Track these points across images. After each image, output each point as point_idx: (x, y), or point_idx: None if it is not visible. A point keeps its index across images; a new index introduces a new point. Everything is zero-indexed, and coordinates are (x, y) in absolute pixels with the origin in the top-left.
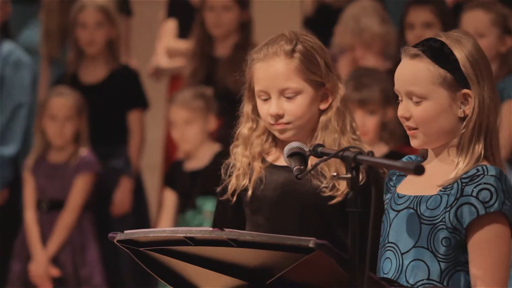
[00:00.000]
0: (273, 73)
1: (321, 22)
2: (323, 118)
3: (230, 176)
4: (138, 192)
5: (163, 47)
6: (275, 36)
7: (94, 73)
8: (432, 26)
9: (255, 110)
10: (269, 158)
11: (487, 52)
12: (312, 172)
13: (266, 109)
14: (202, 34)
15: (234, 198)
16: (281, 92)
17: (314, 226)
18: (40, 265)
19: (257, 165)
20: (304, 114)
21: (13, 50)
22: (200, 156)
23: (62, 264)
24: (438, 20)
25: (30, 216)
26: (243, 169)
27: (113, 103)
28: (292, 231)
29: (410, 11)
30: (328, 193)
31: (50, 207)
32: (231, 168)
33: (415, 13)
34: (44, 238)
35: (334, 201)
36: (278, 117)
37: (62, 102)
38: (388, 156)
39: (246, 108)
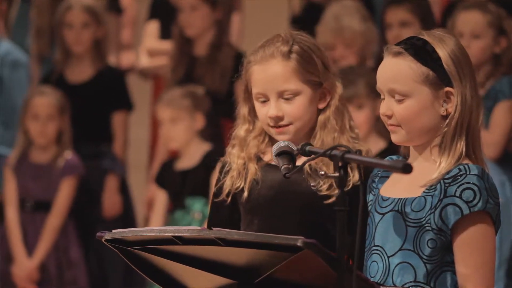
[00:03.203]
0: (271, 75)
1: (309, 21)
2: (321, 118)
3: (225, 176)
4: (124, 191)
5: (145, 48)
6: (270, 38)
7: (80, 72)
8: (410, 25)
9: (251, 111)
10: (266, 158)
11: (483, 53)
12: (309, 171)
13: (265, 111)
14: (180, 34)
15: (229, 199)
16: (280, 94)
17: (309, 225)
18: (23, 267)
19: (252, 166)
20: (303, 115)
21: (11, 50)
22: (190, 155)
23: (46, 266)
24: (416, 19)
25: (11, 216)
26: (238, 170)
27: (98, 103)
28: (287, 230)
29: (387, 11)
30: (324, 192)
31: (35, 208)
32: (227, 167)
33: (392, 12)
34: (28, 237)
35: (330, 201)
36: (277, 119)
37: (44, 102)
38: (385, 151)
39: (243, 110)
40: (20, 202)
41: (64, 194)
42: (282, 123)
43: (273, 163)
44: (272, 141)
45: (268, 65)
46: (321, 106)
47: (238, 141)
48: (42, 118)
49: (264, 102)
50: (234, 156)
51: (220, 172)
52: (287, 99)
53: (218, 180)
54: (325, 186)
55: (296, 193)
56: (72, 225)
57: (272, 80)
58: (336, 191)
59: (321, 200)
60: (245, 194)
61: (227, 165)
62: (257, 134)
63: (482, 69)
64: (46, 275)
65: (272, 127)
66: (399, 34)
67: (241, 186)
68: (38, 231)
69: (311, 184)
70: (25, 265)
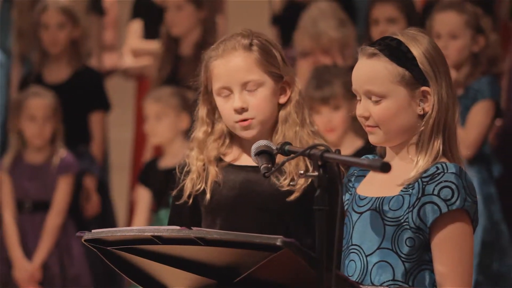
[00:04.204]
0: (234, 68)
1: (289, 20)
2: (282, 112)
3: (185, 177)
4: (103, 192)
5: (129, 47)
6: (229, 35)
7: (57, 73)
8: (396, 22)
9: (210, 113)
10: (227, 159)
11: (461, 53)
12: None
13: (229, 105)
14: (167, 34)
15: (190, 201)
16: (243, 86)
17: (271, 225)
18: (23, 270)
19: (213, 169)
20: (266, 107)
21: None
22: (173, 154)
23: (49, 265)
24: (403, 16)
25: (8, 218)
26: (198, 172)
27: (76, 104)
28: (249, 229)
29: (375, 7)
30: (286, 188)
31: (34, 208)
32: (187, 168)
33: (379, 9)
34: (28, 238)
35: (292, 197)
36: (242, 110)
37: (40, 103)
38: (364, 149)
39: (201, 111)
40: (18, 204)
41: (62, 192)
42: (246, 115)
43: (235, 163)
44: (233, 143)
45: (230, 57)
46: (281, 101)
47: (197, 143)
48: (39, 120)
49: (227, 96)
50: (193, 158)
51: (180, 173)
52: (250, 91)
53: (178, 181)
54: (285, 183)
55: (258, 193)
56: (71, 223)
57: (235, 72)
58: (297, 186)
59: (283, 198)
60: (208, 196)
61: (186, 166)
62: (217, 137)
63: (462, 69)
64: (49, 274)
65: (237, 122)
66: (385, 31)
67: (202, 188)
68: (38, 231)
69: (291, 183)
70: (24, 268)
